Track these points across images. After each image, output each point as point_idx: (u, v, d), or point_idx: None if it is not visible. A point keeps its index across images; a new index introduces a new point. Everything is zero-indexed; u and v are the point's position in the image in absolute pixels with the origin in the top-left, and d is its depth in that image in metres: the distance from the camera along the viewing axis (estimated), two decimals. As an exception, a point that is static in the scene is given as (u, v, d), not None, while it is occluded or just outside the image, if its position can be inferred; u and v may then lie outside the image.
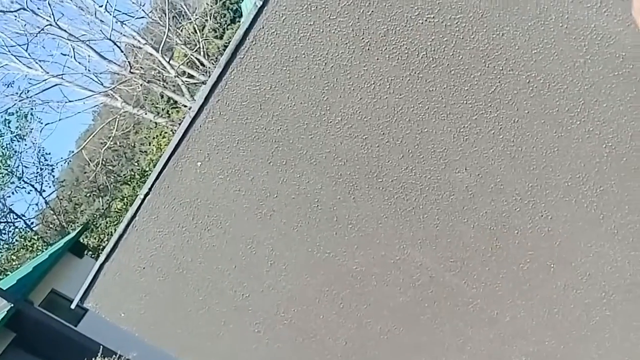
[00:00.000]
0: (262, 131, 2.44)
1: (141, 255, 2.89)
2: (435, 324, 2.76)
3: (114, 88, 15.71)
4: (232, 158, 2.53)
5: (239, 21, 23.25)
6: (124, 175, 19.32)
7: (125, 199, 17.64)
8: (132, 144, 21.12)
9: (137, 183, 17.26)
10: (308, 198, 2.58)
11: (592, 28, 1.96)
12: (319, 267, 2.75)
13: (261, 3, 2.12)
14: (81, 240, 14.04)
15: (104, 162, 18.09)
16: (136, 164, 20.20)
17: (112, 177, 19.62)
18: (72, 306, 3.25)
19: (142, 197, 2.71)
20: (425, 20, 2.04)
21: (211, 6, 21.87)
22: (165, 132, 19.48)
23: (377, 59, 2.17)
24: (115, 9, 15.63)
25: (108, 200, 19.31)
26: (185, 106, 16.46)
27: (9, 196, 17.54)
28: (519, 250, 2.48)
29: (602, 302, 2.52)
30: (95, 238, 17.72)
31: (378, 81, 2.23)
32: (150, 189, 2.68)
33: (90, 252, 14.71)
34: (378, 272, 2.71)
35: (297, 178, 2.54)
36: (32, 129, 16.94)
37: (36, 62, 14.68)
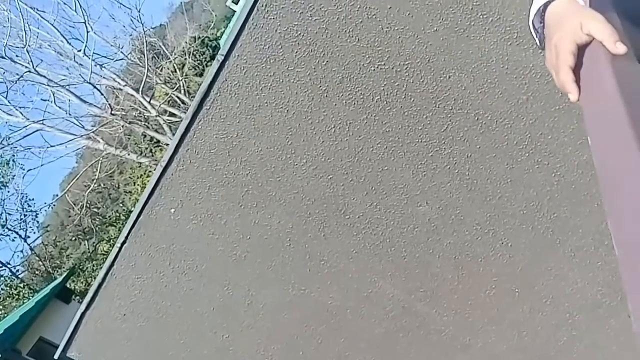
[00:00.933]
0: (231, 176, 2.55)
1: (121, 302, 2.96)
2: (411, 353, 2.84)
3: (95, 130, 15.81)
4: (204, 203, 2.63)
5: (218, 57, 23.58)
6: (109, 216, 19.27)
7: (112, 240, 17.56)
8: (117, 185, 21.12)
9: (122, 224, 17.20)
10: (280, 238, 2.68)
11: (530, 67, 2.11)
12: (295, 304, 2.83)
13: (222, 57, 2.26)
14: (68, 286, 13.93)
15: (88, 205, 18.06)
16: (121, 204, 20.17)
17: (98, 219, 19.55)
18: (56, 357, 3.28)
19: (119, 245, 2.80)
20: (377, 67, 2.18)
21: (190, 44, 22.17)
22: (150, 171, 19.54)
23: (335, 104, 2.30)
24: (94, 52, 15.86)
25: (94, 242, 19.20)
26: (168, 144, 16.58)
27: (-7, 244, 17.38)
28: (484, 278, 2.59)
29: (568, 323, 2.63)
30: (82, 282, 17.57)
31: (338, 125, 2.35)
32: (126, 238, 2.77)
33: (78, 297, 14.58)
34: (352, 305, 2.80)
35: (268, 219, 2.64)
36: (14, 175, 16.92)
37: (16, 109, 14.76)
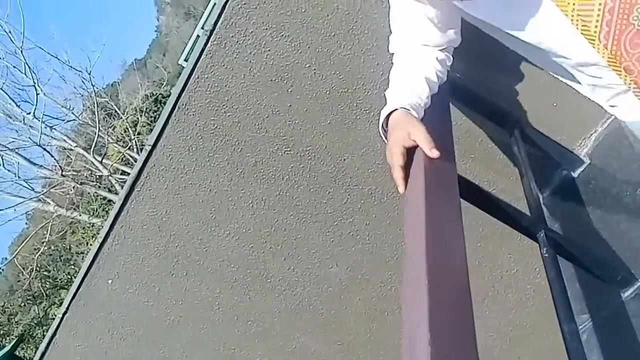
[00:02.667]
0: (162, 249, 2.87)
1: (63, 369, 3.18)
2: (334, 402, 3.15)
3: (45, 193, 15.77)
4: (138, 274, 2.93)
5: (172, 114, 23.90)
6: (60, 279, 18.92)
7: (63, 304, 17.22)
8: (68, 246, 20.78)
9: (75, 286, 16.92)
10: (209, 302, 2.99)
11: (410, 150, 2.55)
12: (227, 362, 3.12)
13: (150, 147, 2.62)
14: (17, 353, 13.57)
15: (38, 268, 17.73)
16: (73, 266, 19.81)
17: (48, 282, 19.15)
18: None
19: (60, 316, 3.05)
20: (284, 153, 2.59)
21: (143, 102, 22.44)
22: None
23: (251, 183, 2.68)
24: (44, 114, 15.98)
25: (44, 307, 18.76)
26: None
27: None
28: (392, 329, 2.95)
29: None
30: (32, 349, 17.06)
31: (254, 201, 2.73)
32: (67, 308, 3.02)
33: (27, 365, 14.19)
34: (279, 361, 3.10)
35: (197, 286, 2.96)
36: (-41, 241, 16.57)
37: (-37, 174, 14.66)
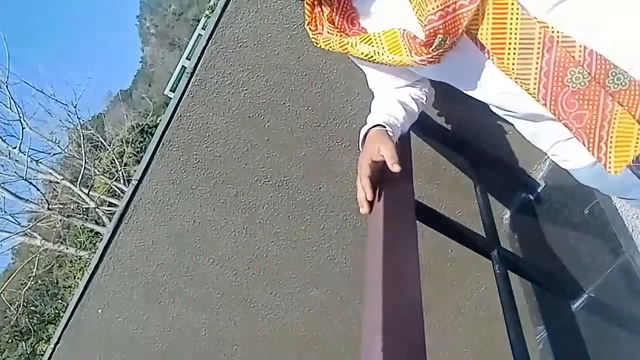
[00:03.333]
0: (150, 278, 3.02)
1: (55, 399, 3.28)
2: (319, 422, 3.27)
3: (32, 227, 15.75)
4: (127, 303, 3.07)
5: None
6: (48, 314, 18.74)
7: (51, 339, 17.07)
8: (55, 280, 20.65)
9: (62, 321, 16.80)
10: (196, 328, 3.13)
11: (381, 177, 2.74)
12: (214, 386, 3.24)
13: (137, 181, 2.79)
14: (3, 392, 13.41)
15: (25, 303, 17.57)
16: (60, 300, 19.65)
17: (36, 317, 18.95)
18: None
19: (52, 346, 3.17)
20: (264, 183, 2.76)
21: (129, 133, 22.56)
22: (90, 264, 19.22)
23: (233, 213, 2.85)
24: (30, 148, 16.04)
25: (32, 343, 18.54)
26: (108, 236, 16.58)
27: None
28: (372, 348, 3.10)
29: (446, 382, 3.15)
30: (19, 386, 16.85)
31: (236, 229, 2.90)
32: (59, 339, 3.15)
33: (14, 403, 14.01)
34: (265, 383, 3.23)
35: (184, 313, 3.10)
36: (-56, 278, 16.44)
37: (-52, 210, 14.64)
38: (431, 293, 2.96)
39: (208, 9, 18.47)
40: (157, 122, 26.52)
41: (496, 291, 2.72)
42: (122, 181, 18.63)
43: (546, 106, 1.12)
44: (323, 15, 1.30)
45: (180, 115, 2.62)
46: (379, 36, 1.22)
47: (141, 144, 24.04)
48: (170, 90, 17.69)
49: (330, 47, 1.32)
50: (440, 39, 1.09)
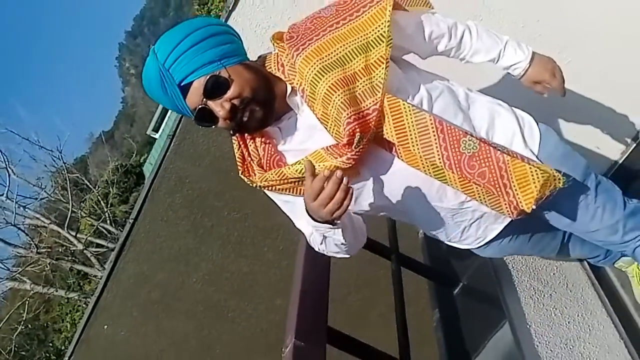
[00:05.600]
0: (146, 297, 3.85)
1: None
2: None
3: (21, 272, 16.25)
4: (127, 318, 3.89)
5: (143, 183, 24.62)
6: (38, 358, 19.08)
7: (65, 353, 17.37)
8: (44, 324, 20.98)
9: (53, 366, 17.21)
10: (185, 337, 3.96)
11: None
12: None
13: (133, 220, 3.63)
14: None
15: (16, 348, 17.92)
16: (50, 344, 20.00)
17: (26, 362, 19.28)
18: None
19: (67, 358, 3.96)
20: (232, 216, 3.62)
21: (113, 175, 23.01)
22: (79, 306, 19.57)
23: (210, 241, 3.70)
24: (17, 195, 16.61)
25: (23, 388, 18.81)
26: (96, 276, 17.13)
27: None
28: None
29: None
30: None
31: (214, 253, 3.74)
32: (72, 352, 3.94)
33: None
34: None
35: (175, 324, 3.92)
36: None
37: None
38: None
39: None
40: (141, 162, 26.94)
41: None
42: (108, 222, 19.14)
43: (453, 173, 1.29)
44: (253, 163, 1.40)
45: (165, 168, 3.48)
46: (306, 158, 1.31)
47: (125, 184, 24.48)
48: (153, 130, 18.32)
49: (267, 181, 1.37)
50: (358, 137, 1.23)
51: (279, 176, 1.34)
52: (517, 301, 2.28)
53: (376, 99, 1.25)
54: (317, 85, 1.25)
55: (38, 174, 18.73)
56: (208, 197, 3.56)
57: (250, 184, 1.42)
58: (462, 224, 1.53)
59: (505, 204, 1.32)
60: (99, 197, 20.73)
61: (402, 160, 1.32)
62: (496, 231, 1.57)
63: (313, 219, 1.27)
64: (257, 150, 1.39)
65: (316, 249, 1.49)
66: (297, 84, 1.30)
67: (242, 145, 1.41)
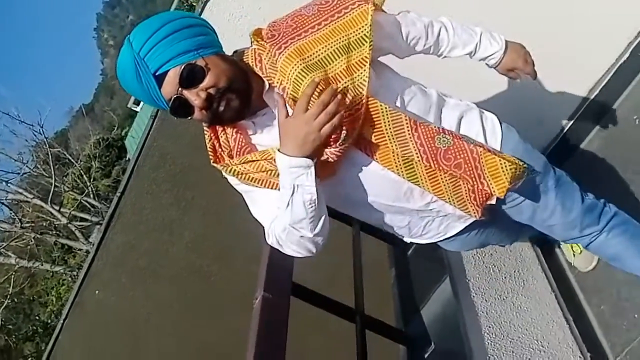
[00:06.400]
0: (134, 264, 4.22)
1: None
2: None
3: (5, 246, 16.48)
4: (117, 285, 4.27)
5: (125, 156, 24.67)
6: (25, 332, 19.35)
7: (31, 356, 17.75)
8: (30, 298, 21.22)
9: (40, 338, 17.54)
10: (170, 301, 4.34)
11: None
12: (183, 339, 4.45)
13: (120, 194, 3.99)
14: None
15: (3, 322, 18.18)
16: (37, 317, 20.26)
17: (14, 336, 19.57)
18: None
19: (62, 321, 4.35)
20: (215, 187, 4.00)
21: (95, 148, 23.02)
22: (64, 280, 19.73)
23: (191, 212, 4.08)
24: (0, 170, 16.75)
25: (11, 361, 19.13)
26: (81, 250, 17.40)
27: None
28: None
29: None
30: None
31: (195, 223, 4.12)
32: (66, 316, 4.33)
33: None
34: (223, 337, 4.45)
35: (161, 289, 4.31)
36: None
37: None
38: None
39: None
40: (123, 135, 26.90)
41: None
42: (91, 196, 19.29)
43: (432, 166, 1.36)
44: (224, 154, 1.43)
45: (148, 146, 3.84)
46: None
47: (107, 158, 24.52)
48: (134, 103, 18.38)
49: (241, 166, 1.39)
50: (344, 135, 1.28)
51: (254, 166, 1.36)
52: (459, 259, 2.54)
53: (359, 99, 1.29)
54: (299, 85, 1.27)
55: (19, 148, 18.80)
56: (189, 172, 3.93)
57: (223, 170, 1.47)
58: (425, 219, 1.58)
59: (471, 204, 1.44)
60: (81, 171, 20.75)
61: (376, 161, 1.37)
62: (457, 229, 1.63)
63: (289, 156, 1.24)
64: (228, 142, 1.41)
65: (274, 242, 1.44)
66: (277, 81, 1.32)
67: (214, 137, 1.43)
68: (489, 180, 1.38)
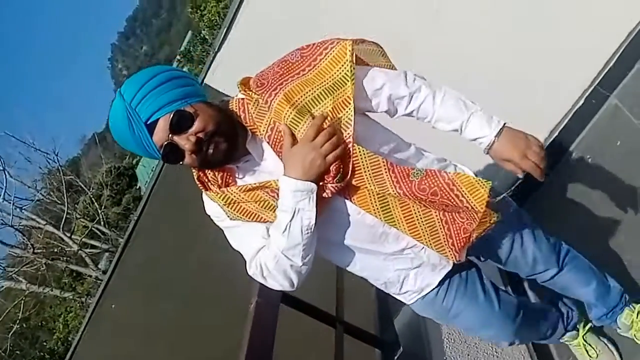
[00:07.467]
0: (148, 280, 4.76)
1: None
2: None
3: (17, 271, 16.88)
4: (132, 299, 4.80)
5: (135, 185, 25.15)
6: (33, 357, 19.56)
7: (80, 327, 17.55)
8: (39, 324, 21.47)
9: (48, 364, 17.70)
10: (179, 317, 4.86)
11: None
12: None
13: (137, 216, 4.57)
14: None
15: (11, 348, 18.43)
16: (44, 343, 20.47)
17: (22, 361, 19.73)
18: None
19: (81, 332, 4.87)
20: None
21: (106, 176, 23.50)
22: (71, 307, 19.83)
23: (204, 230, 4.64)
24: (14, 197, 17.24)
25: (19, 387, 19.22)
26: (90, 276, 17.75)
27: None
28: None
29: None
30: None
31: (210, 239, 4.67)
32: (86, 325, 4.86)
33: None
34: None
35: (172, 307, 4.83)
36: None
37: None
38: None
39: (179, 54, 19.66)
40: (134, 163, 27.13)
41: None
42: (102, 223, 19.70)
43: (409, 198, 1.39)
44: (213, 186, 1.50)
45: (163, 175, 4.42)
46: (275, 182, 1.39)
47: (118, 186, 24.85)
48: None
49: (235, 195, 1.43)
50: (340, 175, 1.35)
51: (250, 195, 1.40)
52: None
53: (348, 134, 1.34)
54: (297, 127, 1.34)
55: (33, 175, 19.30)
56: (198, 199, 4.47)
57: (216, 198, 1.47)
58: (401, 274, 1.60)
59: (448, 245, 1.46)
60: (92, 198, 21.10)
61: (354, 203, 1.42)
62: (433, 284, 1.63)
63: (295, 179, 1.31)
64: (216, 177, 1.46)
65: (256, 273, 1.51)
66: (265, 124, 1.39)
67: (202, 175, 1.49)
68: (468, 197, 1.37)
